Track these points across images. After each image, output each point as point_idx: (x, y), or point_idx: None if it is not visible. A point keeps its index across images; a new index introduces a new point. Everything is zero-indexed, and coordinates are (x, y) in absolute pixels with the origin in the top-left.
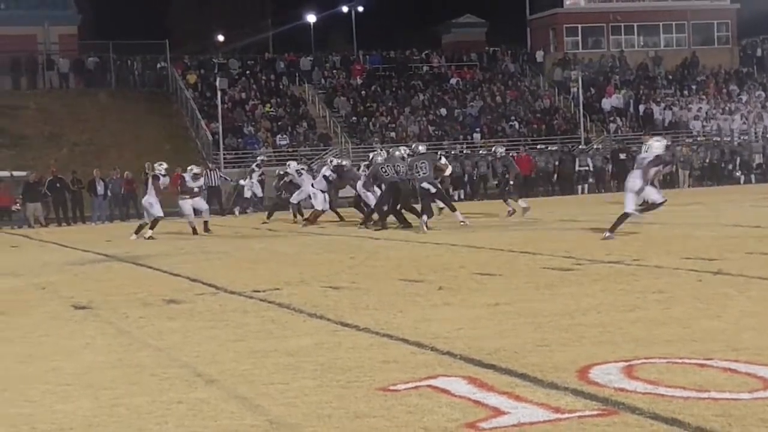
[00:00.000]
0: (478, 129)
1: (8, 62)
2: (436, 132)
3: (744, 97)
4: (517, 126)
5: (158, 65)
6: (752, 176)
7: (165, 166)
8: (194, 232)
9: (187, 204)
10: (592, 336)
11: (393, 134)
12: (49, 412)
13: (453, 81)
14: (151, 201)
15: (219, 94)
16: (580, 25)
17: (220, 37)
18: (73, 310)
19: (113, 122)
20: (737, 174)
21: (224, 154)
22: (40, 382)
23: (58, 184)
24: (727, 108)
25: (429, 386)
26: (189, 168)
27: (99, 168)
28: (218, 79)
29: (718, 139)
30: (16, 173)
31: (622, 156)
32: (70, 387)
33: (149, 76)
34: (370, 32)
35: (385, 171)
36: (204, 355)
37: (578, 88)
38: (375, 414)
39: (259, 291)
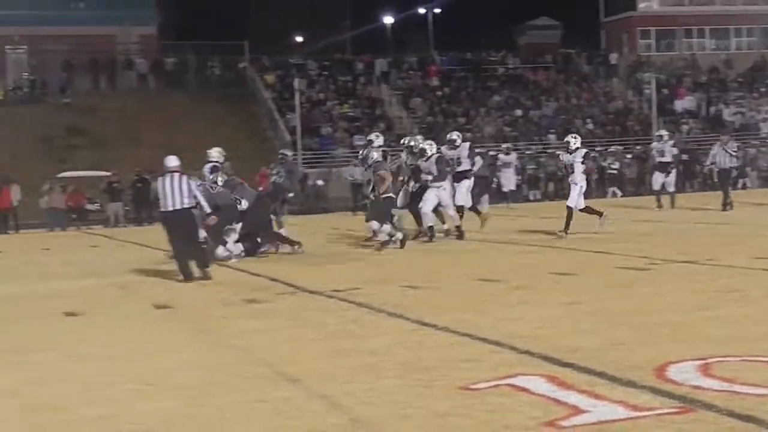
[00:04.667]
0: (552, 129)
1: (87, 62)
2: (512, 132)
3: None
4: (591, 127)
5: (237, 66)
6: None
7: None
8: None
9: None
10: (668, 335)
11: (469, 135)
12: (132, 411)
13: (529, 82)
14: None
15: (297, 94)
16: (653, 29)
17: (299, 39)
18: (154, 309)
19: (192, 123)
20: None
21: (302, 154)
22: (122, 382)
23: (140, 185)
24: None
25: (509, 385)
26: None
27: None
28: (296, 79)
29: None
30: (94, 173)
31: (685, 157)
32: (152, 387)
33: (228, 77)
34: (446, 33)
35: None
36: (285, 354)
37: (652, 90)
38: (456, 413)
39: (338, 290)
